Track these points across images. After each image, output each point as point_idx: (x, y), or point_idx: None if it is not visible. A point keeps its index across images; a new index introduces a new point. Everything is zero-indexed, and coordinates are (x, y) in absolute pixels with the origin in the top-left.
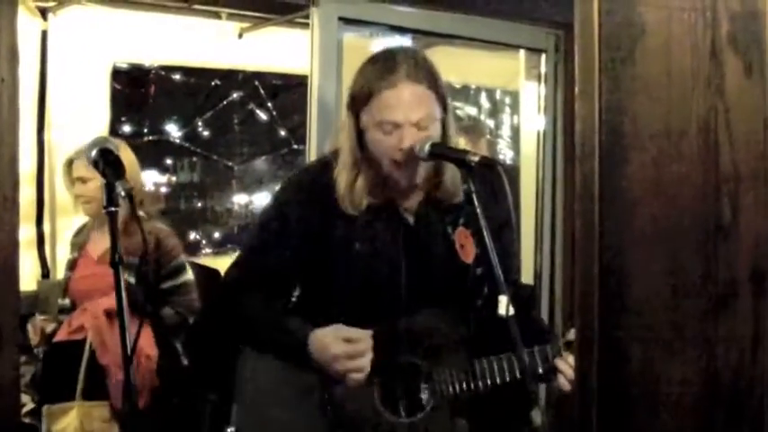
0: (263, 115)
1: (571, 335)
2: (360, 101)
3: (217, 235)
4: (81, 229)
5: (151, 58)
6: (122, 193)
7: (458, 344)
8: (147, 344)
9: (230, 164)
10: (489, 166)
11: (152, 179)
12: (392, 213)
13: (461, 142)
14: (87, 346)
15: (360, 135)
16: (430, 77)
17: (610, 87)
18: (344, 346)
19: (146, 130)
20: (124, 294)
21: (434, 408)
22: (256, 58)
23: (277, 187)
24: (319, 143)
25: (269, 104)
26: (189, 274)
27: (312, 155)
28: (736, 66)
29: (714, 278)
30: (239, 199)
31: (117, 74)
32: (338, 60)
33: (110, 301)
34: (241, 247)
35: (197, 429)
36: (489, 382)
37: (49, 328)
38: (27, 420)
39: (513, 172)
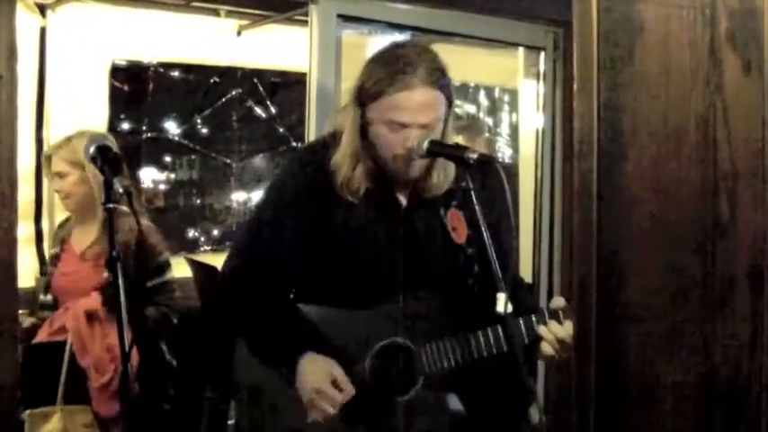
0: (261, 113)
1: (554, 303)
2: (370, 96)
3: (215, 232)
4: (64, 222)
5: (150, 55)
6: (120, 190)
7: (450, 324)
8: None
9: (229, 161)
10: (487, 163)
11: (150, 176)
12: (387, 197)
13: (459, 139)
14: (68, 348)
15: (362, 126)
16: (442, 80)
17: (608, 85)
18: (328, 387)
19: (144, 128)
20: (122, 291)
21: (426, 386)
22: (255, 55)
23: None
24: None
25: (268, 102)
26: (173, 272)
27: None
28: (734, 63)
29: (712, 276)
30: (238, 196)
31: (116, 71)
32: (337, 58)
33: (90, 302)
34: (240, 234)
35: (195, 428)
36: (477, 354)
37: (27, 322)
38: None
39: (512, 170)
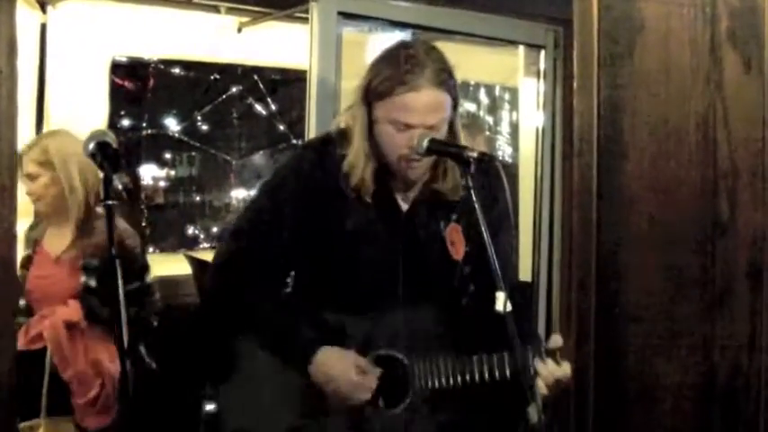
0: (261, 110)
1: (552, 342)
2: (377, 95)
3: (215, 229)
4: (36, 224)
5: (150, 51)
6: (120, 187)
7: (444, 340)
8: (112, 361)
9: (229, 158)
10: (487, 161)
11: (150, 173)
12: (388, 200)
13: (469, 141)
14: (48, 359)
15: (368, 125)
16: (449, 81)
17: (608, 83)
18: (359, 376)
19: (144, 124)
20: (121, 292)
21: (415, 401)
22: (255, 52)
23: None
24: None
25: (268, 99)
26: (151, 276)
27: None
28: (735, 61)
29: (711, 275)
30: (237, 193)
31: (116, 67)
32: (337, 55)
33: (70, 313)
34: (237, 222)
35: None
36: (476, 378)
37: None
38: None
39: (512, 168)
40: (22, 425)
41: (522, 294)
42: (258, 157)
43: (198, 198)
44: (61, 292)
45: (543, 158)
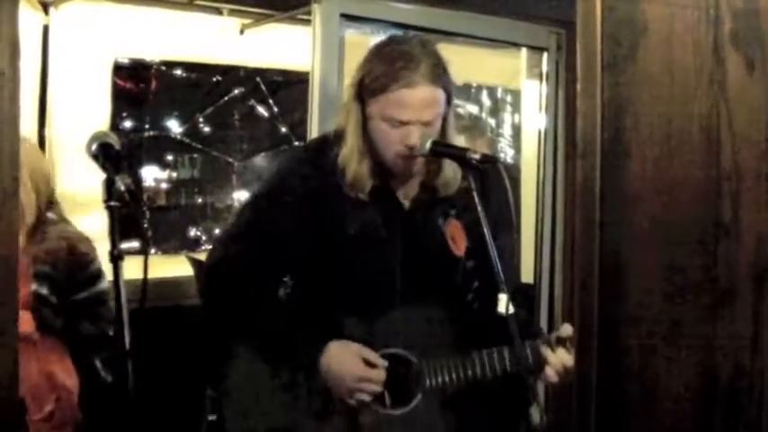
0: (263, 112)
1: (563, 330)
2: (370, 92)
3: (217, 231)
4: None
5: (153, 53)
6: (122, 188)
7: (449, 337)
8: (66, 374)
9: (231, 160)
10: (490, 163)
11: (152, 175)
12: (389, 198)
13: (461, 139)
14: None
15: (363, 121)
16: (444, 77)
17: (611, 84)
18: (366, 370)
19: (146, 126)
20: (123, 291)
21: (424, 400)
22: (258, 54)
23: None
24: None
25: (270, 101)
26: (105, 282)
27: None
28: (738, 63)
29: (714, 276)
30: (239, 195)
31: (118, 69)
32: (340, 57)
33: (21, 323)
34: (233, 223)
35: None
36: (480, 375)
37: None
38: None
39: (514, 171)
40: None
41: (525, 296)
42: (260, 159)
43: (200, 200)
44: None
45: (545, 161)
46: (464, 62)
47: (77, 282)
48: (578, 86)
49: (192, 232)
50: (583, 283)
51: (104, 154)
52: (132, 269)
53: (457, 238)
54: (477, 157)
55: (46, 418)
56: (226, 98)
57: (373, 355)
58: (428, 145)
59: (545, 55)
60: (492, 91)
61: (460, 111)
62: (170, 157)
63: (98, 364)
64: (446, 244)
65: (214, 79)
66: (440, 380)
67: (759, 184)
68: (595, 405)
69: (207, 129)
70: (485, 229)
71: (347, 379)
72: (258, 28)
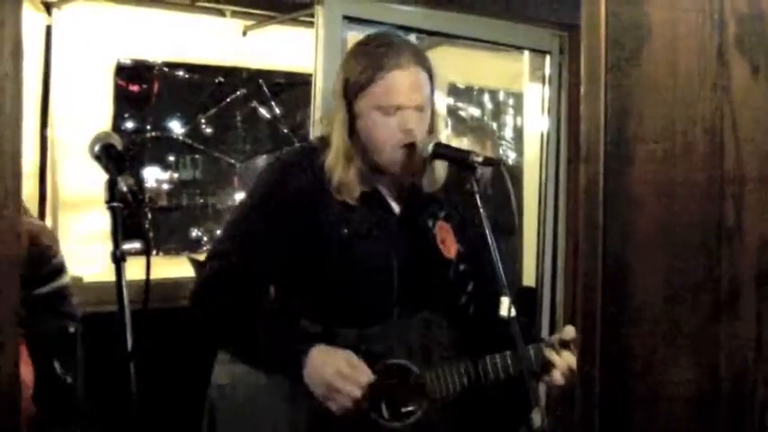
0: (266, 113)
1: (566, 333)
2: (359, 86)
3: (218, 232)
4: None
5: (155, 54)
6: (124, 189)
7: (446, 342)
8: (24, 366)
9: (232, 161)
10: (493, 165)
11: (154, 176)
12: (379, 201)
13: (464, 143)
14: None
15: (350, 124)
16: (425, 60)
17: (615, 88)
18: (348, 367)
19: (148, 127)
20: (125, 292)
21: (426, 411)
22: (260, 56)
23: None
24: None
25: (272, 102)
26: (68, 277)
27: None
28: (742, 67)
29: (718, 280)
30: (241, 196)
31: (121, 70)
32: (342, 59)
33: None
34: (223, 236)
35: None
36: (484, 381)
37: None
38: None
39: (516, 173)
40: None
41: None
42: (262, 161)
43: (201, 201)
44: None
45: (547, 163)
46: (466, 65)
47: (40, 276)
48: (582, 90)
49: (194, 233)
50: (586, 286)
51: (107, 155)
52: (134, 270)
53: (447, 241)
54: (479, 159)
55: None
56: (228, 99)
57: (358, 361)
58: (430, 147)
59: (547, 58)
60: (494, 94)
61: (462, 113)
62: (172, 158)
63: (57, 365)
64: (436, 246)
65: (216, 81)
66: (443, 390)
67: (762, 188)
68: (598, 407)
69: (209, 130)
70: (487, 231)
71: (327, 375)
72: (261, 29)
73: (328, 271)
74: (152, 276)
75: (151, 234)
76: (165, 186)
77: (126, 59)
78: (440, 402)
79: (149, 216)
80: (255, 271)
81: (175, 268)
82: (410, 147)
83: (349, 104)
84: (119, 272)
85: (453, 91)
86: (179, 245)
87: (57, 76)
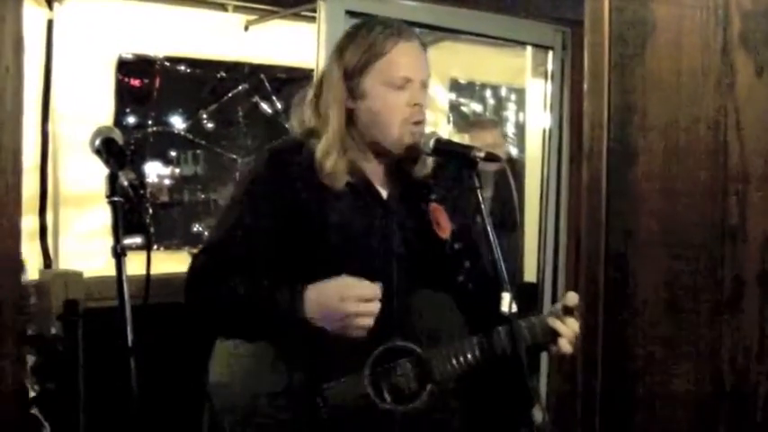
0: (267, 108)
1: (568, 299)
2: (364, 64)
3: None
4: None
5: (157, 49)
6: (125, 184)
7: (450, 323)
8: None
9: (234, 156)
10: (495, 161)
11: (155, 171)
12: (367, 188)
13: (466, 138)
14: None
15: (347, 111)
16: (421, 41)
17: (619, 85)
18: (355, 288)
19: (150, 122)
20: (126, 287)
21: (431, 393)
22: (262, 50)
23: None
24: None
25: (274, 98)
26: (26, 275)
27: None
28: (747, 65)
29: (721, 279)
30: None
31: (122, 65)
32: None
33: None
34: (213, 229)
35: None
36: (489, 356)
37: None
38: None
39: (518, 168)
40: None
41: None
42: None
43: (203, 196)
44: None
45: (550, 159)
46: (469, 60)
47: None
48: (585, 86)
49: (195, 228)
50: (589, 284)
51: (108, 149)
52: (134, 265)
53: (441, 222)
54: (481, 155)
55: None
56: (230, 94)
57: (354, 279)
58: (432, 143)
59: (550, 53)
60: (496, 89)
61: (465, 109)
62: (173, 153)
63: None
64: (431, 229)
65: (218, 75)
66: (448, 370)
67: (766, 186)
68: (600, 408)
69: (210, 125)
70: (488, 226)
71: (334, 305)
72: (263, 24)
73: (319, 259)
74: (153, 271)
75: (152, 229)
76: (167, 181)
77: (127, 54)
78: (445, 384)
79: (150, 211)
80: (245, 261)
81: (176, 263)
82: (419, 124)
83: (350, 87)
84: (119, 267)
85: (455, 86)
86: (180, 240)
87: (58, 70)
